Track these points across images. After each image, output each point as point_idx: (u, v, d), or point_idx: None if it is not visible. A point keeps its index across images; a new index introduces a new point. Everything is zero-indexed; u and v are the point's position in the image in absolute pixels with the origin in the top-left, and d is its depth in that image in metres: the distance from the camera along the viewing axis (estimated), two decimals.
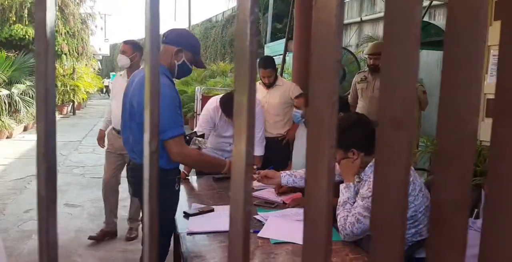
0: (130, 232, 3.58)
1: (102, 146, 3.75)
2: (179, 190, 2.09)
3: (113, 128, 3.51)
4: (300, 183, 2.30)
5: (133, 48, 3.40)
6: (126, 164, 3.14)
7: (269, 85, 3.60)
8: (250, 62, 0.47)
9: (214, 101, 3.11)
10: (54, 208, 0.49)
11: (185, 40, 2.07)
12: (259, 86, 3.71)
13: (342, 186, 1.94)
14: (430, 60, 7.69)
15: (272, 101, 3.58)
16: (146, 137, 0.47)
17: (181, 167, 2.97)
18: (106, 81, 24.24)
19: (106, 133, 3.70)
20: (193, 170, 3.12)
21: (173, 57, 2.03)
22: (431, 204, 0.54)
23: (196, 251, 1.70)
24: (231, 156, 3.18)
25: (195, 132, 2.35)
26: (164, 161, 1.97)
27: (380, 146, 0.51)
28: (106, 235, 3.48)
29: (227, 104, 2.97)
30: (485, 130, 2.70)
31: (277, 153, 3.32)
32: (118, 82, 3.47)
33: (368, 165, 1.91)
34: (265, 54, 11.60)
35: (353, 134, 1.88)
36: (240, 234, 0.49)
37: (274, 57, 9.04)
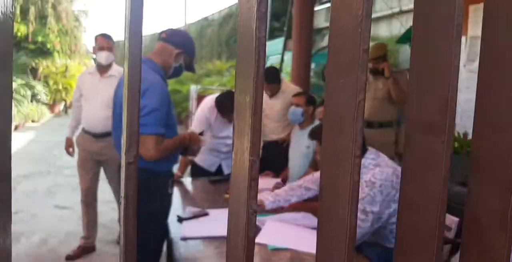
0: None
1: (72, 155, 3.30)
2: (172, 193, 2.00)
3: (86, 132, 3.12)
4: (285, 204, 2.17)
5: (113, 42, 3.13)
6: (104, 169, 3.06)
7: (272, 95, 3.48)
8: (257, 51, 0.38)
9: (209, 101, 3.00)
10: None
11: (187, 44, 2.03)
12: None
13: None
14: None
15: (274, 107, 3.46)
16: (123, 143, 0.38)
17: (175, 169, 2.88)
18: None
19: (74, 140, 3.27)
20: (187, 172, 3.03)
21: (172, 58, 1.98)
22: (466, 217, 0.46)
23: (189, 258, 1.61)
24: (226, 157, 3.13)
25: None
26: (156, 164, 1.87)
27: (411, 152, 0.43)
28: (84, 252, 3.15)
29: (223, 104, 2.87)
30: None
31: (277, 156, 3.21)
32: (89, 81, 3.12)
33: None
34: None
35: None
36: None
37: (271, 56, 8.96)
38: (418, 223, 0.44)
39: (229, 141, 3.02)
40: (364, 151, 1.87)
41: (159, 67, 1.93)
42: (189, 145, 2.03)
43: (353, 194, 0.40)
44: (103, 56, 3.05)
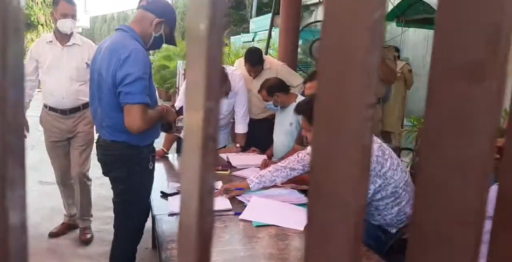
0: (83, 232, 3.03)
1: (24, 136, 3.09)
2: (153, 169, 1.97)
3: (52, 109, 2.82)
4: (271, 184, 2.15)
5: (76, 9, 2.80)
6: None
7: (254, 77, 3.41)
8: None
9: None
10: None
11: (168, 13, 1.93)
12: (244, 70, 3.51)
13: None
14: (417, 39, 7.59)
15: (259, 86, 3.41)
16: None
17: (160, 144, 2.84)
18: None
19: (40, 118, 2.94)
20: (173, 147, 2.99)
21: (151, 27, 1.89)
22: (498, 196, 0.42)
23: (173, 235, 1.59)
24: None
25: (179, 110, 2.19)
26: (137, 137, 1.83)
27: (437, 109, 0.34)
28: (68, 228, 3.11)
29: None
30: None
31: (264, 133, 3.19)
32: (48, 50, 2.76)
33: None
34: (249, 30, 11.33)
35: None
36: None
37: (259, 32, 8.80)
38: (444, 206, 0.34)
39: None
40: None
41: (138, 36, 1.86)
42: (166, 118, 1.98)
43: (363, 165, 0.34)
44: (68, 25, 2.70)
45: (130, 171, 1.87)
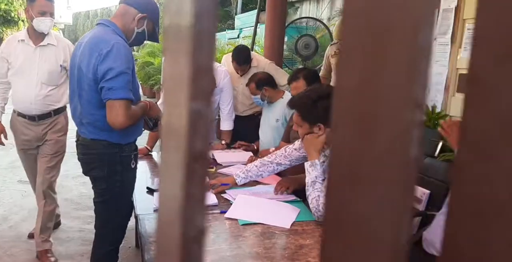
0: (43, 257, 2.57)
1: (3, 144, 2.67)
2: (135, 167, 1.92)
3: (20, 114, 2.57)
4: (257, 178, 2.13)
5: (54, 6, 2.57)
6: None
7: (243, 74, 3.35)
8: None
9: None
10: None
11: (151, 9, 1.87)
12: (231, 67, 3.46)
13: (307, 165, 1.81)
14: None
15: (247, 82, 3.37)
16: None
17: (143, 143, 2.78)
18: None
19: (10, 123, 2.67)
20: (157, 145, 2.92)
21: (134, 22, 1.83)
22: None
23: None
24: None
25: None
26: (119, 136, 1.78)
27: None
28: None
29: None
30: (456, 105, 2.63)
31: (249, 129, 3.16)
32: (19, 50, 2.52)
33: None
34: (235, 27, 11.26)
35: (321, 107, 1.73)
36: None
37: (245, 29, 8.75)
38: None
39: None
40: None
41: (120, 30, 1.80)
42: (150, 114, 1.92)
43: (406, 187, 0.25)
44: (46, 24, 2.48)
45: (111, 170, 1.81)
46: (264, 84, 2.85)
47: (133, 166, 1.88)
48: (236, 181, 2.08)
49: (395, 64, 0.25)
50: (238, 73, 3.34)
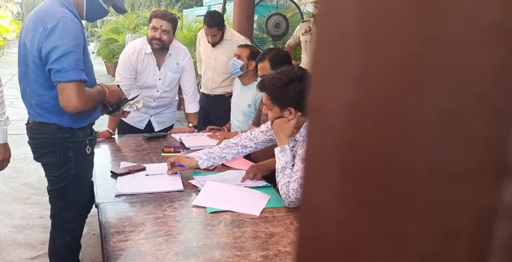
0: None
1: None
2: (92, 153, 1.80)
3: None
4: (220, 162, 2.04)
5: None
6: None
7: (214, 44, 3.25)
8: None
9: (134, 44, 2.71)
10: None
11: None
12: (206, 39, 3.34)
13: (277, 150, 1.76)
14: None
15: (219, 58, 3.24)
16: None
17: (101, 126, 2.64)
18: None
19: None
20: (118, 129, 2.78)
21: None
22: None
23: (118, 225, 1.45)
24: (156, 113, 2.89)
25: (126, 98, 1.99)
26: (70, 119, 1.64)
27: None
28: None
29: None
30: None
31: (222, 110, 3.05)
32: None
33: (304, 125, 1.73)
34: (203, 3, 10.93)
35: (292, 91, 1.66)
36: None
37: (213, 5, 8.51)
38: None
39: (158, 94, 2.79)
40: None
41: (71, 3, 1.63)
42: (109, 100, 1.80)
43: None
44: None
45: (63, 157, 1.68)
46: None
47: (88, 152, 1.75)
48: (198, 163, 1.97)
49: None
50: (209, 42, 3.23)
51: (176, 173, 1.95)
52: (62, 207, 1.79)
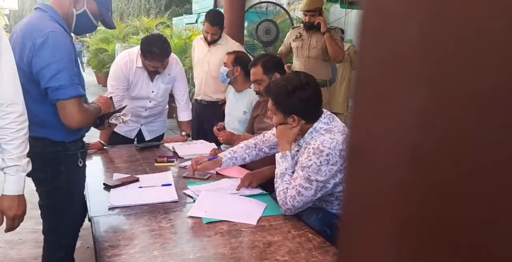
0: None
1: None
2: (84, 166, 1.76)
3: None
4: (240, 163, 2.09)
5: None
6: None
7: (210, 42, 3.27)
8: None
9: (125, 55, 2.67)
10: None
11: None
12: (201, 42, 3.38)
13: (278, 156, 1.74)
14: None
15: (213, 61, 3.25)
16: None
17: (92, 137, 2.60)
18: None
19: None
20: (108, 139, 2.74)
21: (71, 4, 1.62)
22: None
23: (112, 239, 1.42)
24: (146, 122, 2.86)
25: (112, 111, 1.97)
26: (61, 133, 1.61)
27: None
28: None
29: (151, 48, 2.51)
30: None
31: (215, 118, 3.02)
32: None
33: (308, 131, 1.71)
34: (192, 11, 10.94)
35: (297, 99, 1.66)
36: None
37: (203, 13, 8.53)
38: None
39: (151, 104, 2.77)
40: (319, 115, 1.73)
41: (60, 17, 1.60)
42: (105, 111, 1.78)
43: None
44: None
45: (55, 171, 1.64)
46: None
47: (80, 165, 1.72)
48: (222, 160, 2.03)
49: None
50: (207, 40, 3.26)
51: (170, 184, 1.93)
52: (54, 222, 1.75)
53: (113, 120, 1.87)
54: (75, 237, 1.83)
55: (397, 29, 0.24)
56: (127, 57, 2.64)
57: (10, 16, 29.35)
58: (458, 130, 0.22)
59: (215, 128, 2.81)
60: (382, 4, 0.23)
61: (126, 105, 2.29)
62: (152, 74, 2.65)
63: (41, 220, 2.63)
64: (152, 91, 2.71)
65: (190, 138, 2.91)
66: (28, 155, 1.54)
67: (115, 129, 2.73)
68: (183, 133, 2.90)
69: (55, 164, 1.63)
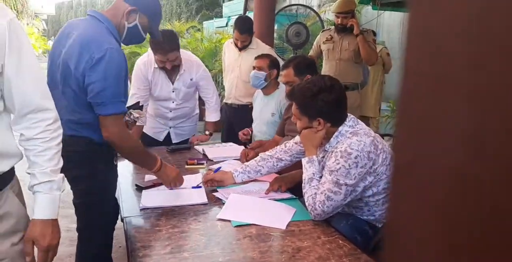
0: None
1: None
2: (117, 165, 1.82)
3: None
4: (256, 176, 2.00)
5: None
6: None
7: (241, 48, 3.29)
8: None
9: (146, 56, 2.74)
10: None
11: (143, 1, 1.72)
12: (232, 47, 3.40)
13: (304, 161, 1.73)
14: (392, 22, 7.53)
15: (244, 65, 3.26)
16: None
17: None
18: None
19: None
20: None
21: (124, 17, 1.68)
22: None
23: (144, 239, 1.45)
24: (174, 125, 2.90)
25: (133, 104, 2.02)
26: (99, 133, 1.66)
27: None
28: None
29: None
30: None
31: (245, 121, 3.03)
32: None
33: (334, 135, 1.69)
34: (222, 15, 11.04)
35: (321, 101, 1.64)
36: None
37: (233, 16, 8.59)
38: None
39: (174, 105, 2.81)
40: (344, 119, 1.71)
41: (114, 28, 1.67)
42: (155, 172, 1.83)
43: None
44: None
45: (92, 169, 1.69)
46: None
47: (116, 163, 1.78)
48: (234, 176, 1.96)
49: None
50: (237, 46, 3.27)
51: (200, 186, 1.94)
52: (88, 219, 1.79)
53: (125, 118, 1.90)
54: (109, 235, 1.87)
55: (444, 47, 0.23)
56: (146, 58, 2.72)
57: (48, 21, 30.45)
58: (509, 151, 0.20)
59: (240, 133, 2.82)
60: (428, 23, 0.22)
61: (143, 105, 2.31)
62: (169, 74, 2.68)
63: (76, 219, 2.72)
64: (173, 91, 2.74)
65: (219, 140, 2.94)
66: (68, 153, 1.50)
67: (145, 131, 2.80)
68: (207, 132, 2.93)
69: (93, 162, 1.68)
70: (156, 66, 2.66)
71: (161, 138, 2.93)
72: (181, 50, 2.65)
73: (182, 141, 2.97)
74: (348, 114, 1.73)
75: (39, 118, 1.15)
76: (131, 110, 1.97)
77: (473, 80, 0.22)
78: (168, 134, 2.93)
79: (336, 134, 1.69)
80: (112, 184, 1.81)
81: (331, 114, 1.66)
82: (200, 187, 1.95)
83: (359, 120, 1.76)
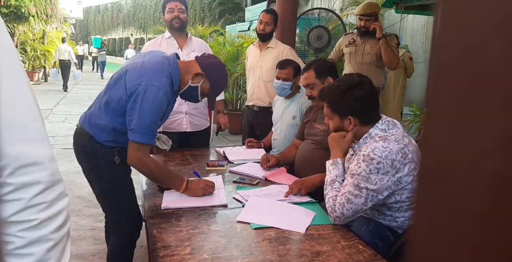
0: None
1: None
2: (120, 164, 1.91)
3: None
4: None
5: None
6: None
7: (261, 36, 3.29)
8: None
9: (148, 45, 2.91)
10: None
11: (213, 71, 1.90)
12: (253, 49, 3.45)
13: (328, 163, 1.72)
14: (416, 26, 7.42)
15: (264, 65, 3.28)
16: None
17: None
18: (81, 49, 20.59)
19: None
20: None
21: (191, 75, 1.86)
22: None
23: (165, 239, 1.47)
24: (187, 111, 2.91)
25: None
26: (101, 137, 1.85)
27: None
28: None
29: None
30: None
31: (267, 124, 3.01)
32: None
33: (363, 136, 1.67)
34: (245, 19, 11.11)
35: (351, 98, 1.63)
36: None
37: (255, 21, 8.66)
38: None
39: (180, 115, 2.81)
40: (376, 119, 1.68)
41: (179, 76, 1.82)
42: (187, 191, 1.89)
43: None
44: None
45: (95, 165, 1.86)
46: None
47: (117, 162, 1.86)
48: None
49: None
50: (260, 35, 3.33)
51: (220, 188, 1.96)
52: (113, 213, 1.98)
53: (157, 143, 2.01)
54: (137, 225, 1.98)
55: (478, 47, 0.23)
56: (155, 40, 2.94)
57: (76, 25, 31.23)
58: None
59: (246, 141, 2.84)
60: (463, 22, 0.22)
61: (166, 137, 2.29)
62: (179, 39, 2.87)
63: (100, 218, 2.81)
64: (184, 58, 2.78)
65: (240, 143, 2.95)
66: (75, 145, 1.92)
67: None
68: (221, 114, 2.95)
69: (94, 157, 1.84)
70: (167, 36, 2.86)
71: (177, 128, 2.82)
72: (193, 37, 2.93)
73: (198, 131, 2.89)
74: (384, 117, 1.70)
75: (19, 183, 0.61)
76: (160, 134, 2.07)
77: (507, 81, 0.22)
78: (183, 137, 2.83)
79: (366, 135, 1.67)
80: (122, 180, 1.92)
81: (361, 111, 1.65)
82: (220, 188, 1.96)
83: (397, 123, 1.69)
